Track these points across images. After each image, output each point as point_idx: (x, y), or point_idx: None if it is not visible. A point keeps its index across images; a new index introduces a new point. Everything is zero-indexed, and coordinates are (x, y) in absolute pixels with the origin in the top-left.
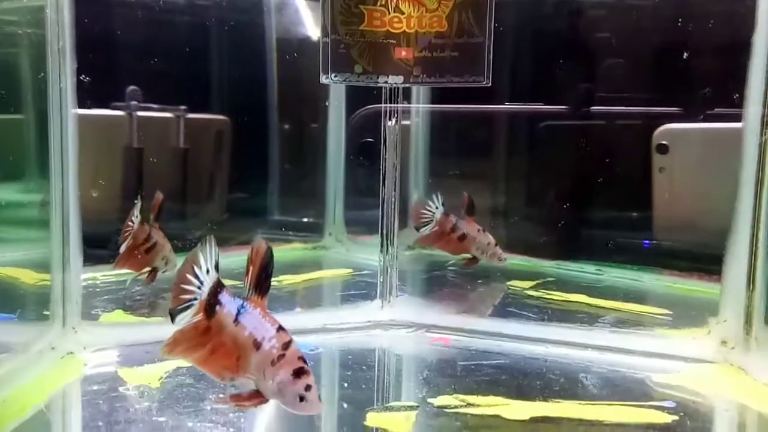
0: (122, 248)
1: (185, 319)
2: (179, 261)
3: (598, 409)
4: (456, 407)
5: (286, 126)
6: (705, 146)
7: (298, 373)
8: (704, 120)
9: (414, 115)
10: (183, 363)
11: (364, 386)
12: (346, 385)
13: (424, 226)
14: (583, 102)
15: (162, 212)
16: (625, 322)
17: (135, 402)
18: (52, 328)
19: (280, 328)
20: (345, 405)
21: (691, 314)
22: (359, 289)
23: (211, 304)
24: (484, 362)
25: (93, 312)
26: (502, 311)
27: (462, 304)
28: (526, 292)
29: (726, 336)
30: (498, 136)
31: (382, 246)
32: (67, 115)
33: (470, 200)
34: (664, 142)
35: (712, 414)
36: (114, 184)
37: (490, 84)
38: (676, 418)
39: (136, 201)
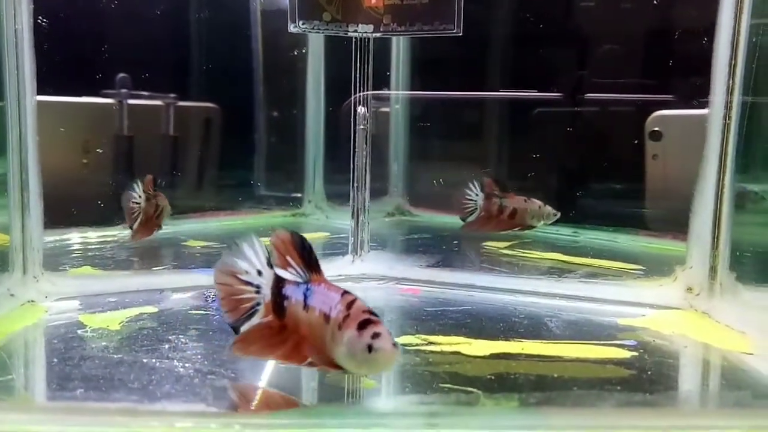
0: (135, 225)
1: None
2: None
3: (559, 347)
4: (417, 345)
5: (273, 113)
6: (698, 132)
7: (363, 324)
8: (698, 106)
9: (394, 101)
10: (147, 309)
11: None
12: None
13: (470, 214)
14: (575, 89)
15: (157, 183)
16: (595, 275)
17: (92, 342)
18: (11, 276)
19: (345, 293)
20: None
21: (662, 269)
22: (335, 249)
23: (279, 304)
24: (450, 308)
25: (61, 268)
26: (474, 266)
27: (433, 259)
28: (501, 251)
29: (691, 283)
30: (482, 120)
31: (353, 201)
32: (25, 90)
33: (495, 179)
34: (657, 129)
35: (672, 351)
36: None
37: (461, 33)
38: (635, 354)
39: (135, 185)
